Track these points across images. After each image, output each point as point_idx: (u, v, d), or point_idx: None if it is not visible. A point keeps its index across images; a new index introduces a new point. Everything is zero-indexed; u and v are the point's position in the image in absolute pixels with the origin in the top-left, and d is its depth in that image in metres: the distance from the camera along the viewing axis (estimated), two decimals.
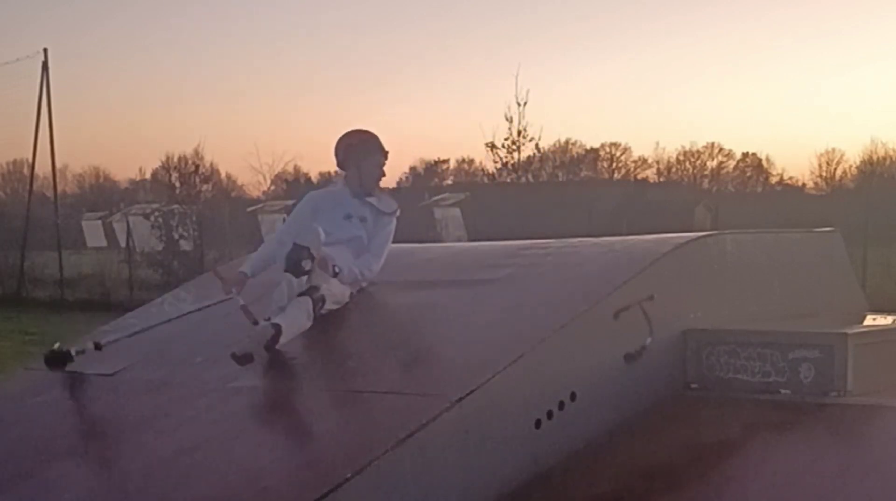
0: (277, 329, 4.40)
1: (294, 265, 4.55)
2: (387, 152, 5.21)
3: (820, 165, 56.35)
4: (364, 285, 5.14)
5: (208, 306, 5.00)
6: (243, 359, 4.33)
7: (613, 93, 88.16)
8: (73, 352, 4.55)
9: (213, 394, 4.50)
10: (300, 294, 4.57)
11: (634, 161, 64.50)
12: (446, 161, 65.88)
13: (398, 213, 5.23)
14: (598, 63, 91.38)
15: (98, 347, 4.59)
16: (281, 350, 4.84)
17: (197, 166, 27.54)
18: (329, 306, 4.74)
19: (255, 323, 4.55)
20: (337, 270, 4.82)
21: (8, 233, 26.24)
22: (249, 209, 37.45)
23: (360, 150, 5.13)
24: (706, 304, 5.16)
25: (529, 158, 26.03)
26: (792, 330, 5.01)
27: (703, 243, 5.37)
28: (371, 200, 5.15)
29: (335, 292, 4.80)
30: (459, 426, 3.92)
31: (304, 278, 4.58)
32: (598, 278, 5.00)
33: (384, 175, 5.20)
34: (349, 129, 5.24)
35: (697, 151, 62.95)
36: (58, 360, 4.57)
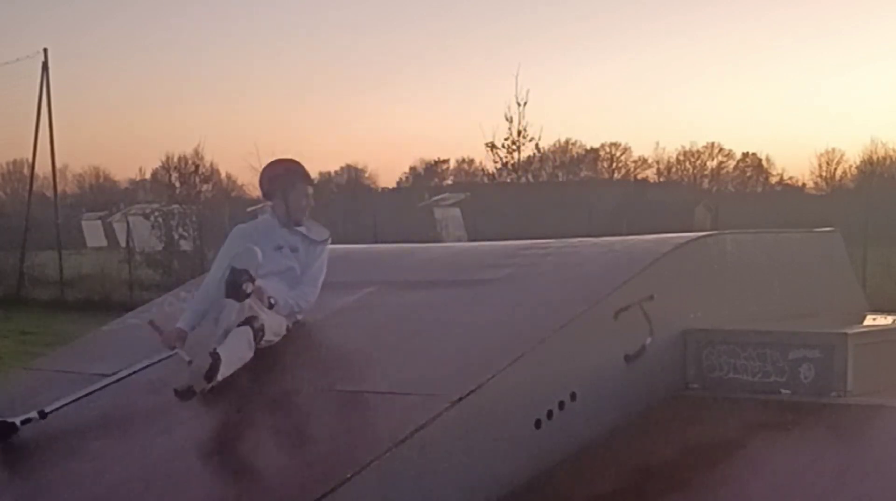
0: (216, 358, 4.21)
1: (234, 289, 4.37)
2: (313, 180, 5.09)
3: (820, 165, 56.38)
4: (300, 317, 4.96)
5: (152, 364, 4.72)
6: (185, 394, 4.16)
7: (613, 93, 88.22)
8: (17, 423, 4.32)
9: (212, 394, 4.50)
10: (240, 324, 4.41)
11: (634, 161, 64.57)
12: (446, 161, 65.95)
13: (330, 241, 5.10)
14: (598, 63, 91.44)
15: (43, 415, 4.35)
16: (281, 351, 4.84)
17: (197, 166, 27.50)
18: (268, 337, 4.59)
19: (191, 363, 4.35)
20: (272, 301, 4.70)
21: (8, 233, 26.22)
22: (249, 209, 37.29)
23: (285, 180, 4.98)
24: (706, 304, 5.16)
25: (529, 158, 25.98)
26: (792, 330, 5.01)
27: (703, 243, 5.38)
28: (301, 229, 5.01)
29: (272, 324, 4.64)
30: (459, 426, 3.92)
31: (248, 300, 4.42)
32: (598, 278, 5.00)
33: (312, 204, 5.08)
34: (273, 159, 5.11)
35: (697, 151, 63.02)
36: (1, 432, 4.30)
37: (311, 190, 5.06)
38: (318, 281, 4.99)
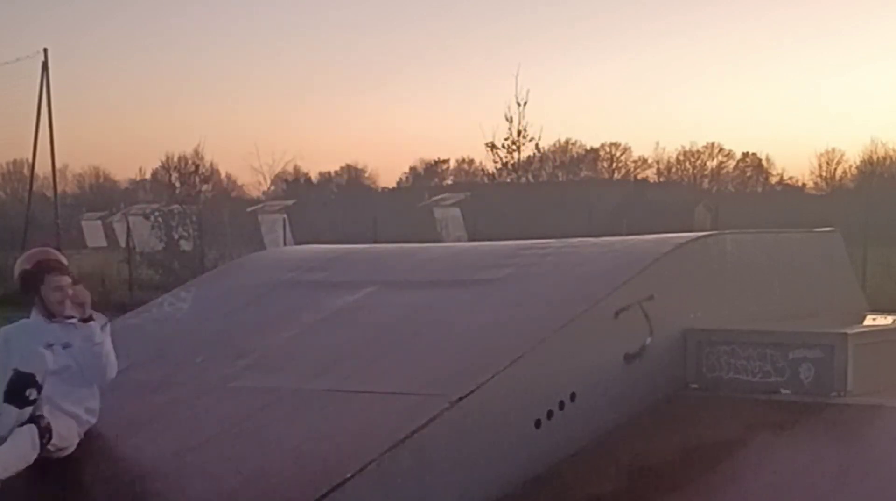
0: None
1: (17, 395, 4.00)
2: (66, 269, 4.61)
3: (820, 165, 56.30)
4: (93, 420, 4.44)
5: None
6: None
7: (613, 93, 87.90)
8: None
9: (213, 394, 4.51)
10: (25, 422, 4.02)
11: (634, 161, 64.42)
12: (446, 161, 65.77)
13: (106, 326, 4.59)
14: (598, 63, 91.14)
15: None
16: (282, 350, 4.84)
17: (197, 166, 27.50)
18: (55, 441, 4.12)
19: None
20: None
21: (8, 233, 26.21)
22: (249, 209, 37.47)
23: (35, 277, 4.57)
24: (706, 304, 5.16)
25: (529, 158, 26.00)
26: (792, 330, 5.01)
27: (703, 243, 5.38)
28: (71, 321, 4.51)
29: (60, 427, 4.18)
30: (459, 426, 3.93)
31: (30, 408, 4.04)
32: (598, 278, 5.00)
33: (69, 295, 4.52)
34: (24, 253, 4.76)
35: (697, 151, 62.87)
36: None
37: (66, 280, 4.55)
38: (106, 371, 4.47)
